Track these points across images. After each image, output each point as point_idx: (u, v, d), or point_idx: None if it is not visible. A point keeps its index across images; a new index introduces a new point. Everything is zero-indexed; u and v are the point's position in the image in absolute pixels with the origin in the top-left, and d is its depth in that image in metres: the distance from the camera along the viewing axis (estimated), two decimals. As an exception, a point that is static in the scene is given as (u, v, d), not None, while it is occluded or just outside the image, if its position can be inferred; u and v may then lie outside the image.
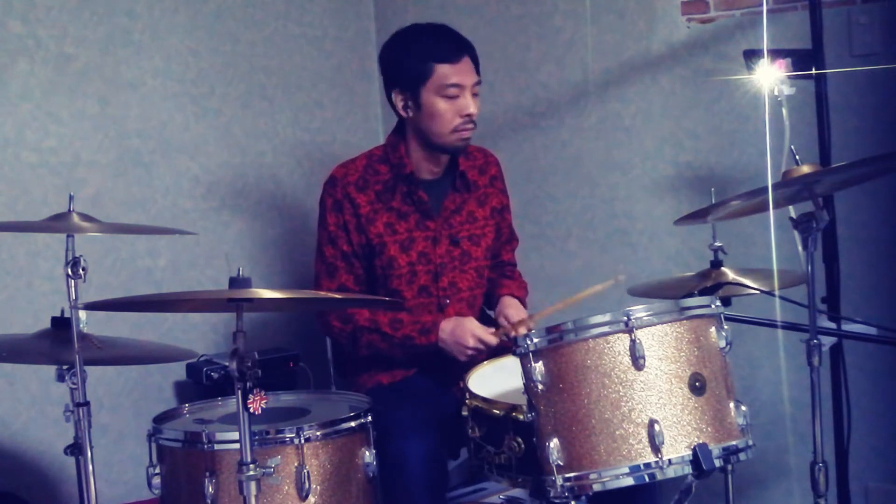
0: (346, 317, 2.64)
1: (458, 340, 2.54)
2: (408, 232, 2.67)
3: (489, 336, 2.54)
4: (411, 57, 2.61)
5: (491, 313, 2.83)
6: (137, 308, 2.67)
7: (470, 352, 2.54)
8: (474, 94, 2.61)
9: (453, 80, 2.57)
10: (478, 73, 2.64)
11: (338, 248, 2.66)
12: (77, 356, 2.13)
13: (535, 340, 1.99)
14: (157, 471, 2.26)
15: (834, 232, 2.75)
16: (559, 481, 1.94)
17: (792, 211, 2.21)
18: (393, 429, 2.36)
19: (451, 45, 2.61)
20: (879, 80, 2.86)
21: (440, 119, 2.59)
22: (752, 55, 2.72)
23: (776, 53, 2.68)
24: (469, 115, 2.59)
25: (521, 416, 2.10)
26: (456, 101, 2.58)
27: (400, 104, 2.64)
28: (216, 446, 2.17)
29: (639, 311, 1.95)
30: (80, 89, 3.04)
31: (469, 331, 2.54)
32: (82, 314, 2.13)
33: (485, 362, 2.52)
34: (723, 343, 2.01)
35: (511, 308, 2.72)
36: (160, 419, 2.35)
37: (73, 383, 2.15)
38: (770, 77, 2.69)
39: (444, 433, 2.42)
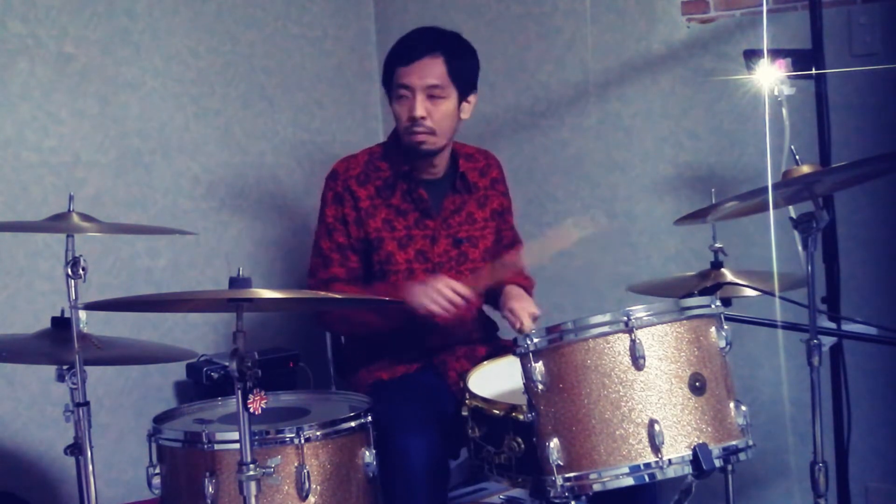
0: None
1: (428, 286, 2.47)
2: (406, 229, 2.67)
3: (460, 287, 2.47)
4: (385, 61, 2.66)
5: (492, 315, 2.83)
6: (137, 308, 2.67)
7: (443, 300, 2.46)
8: (432, 97, 2.57)
9: (401, 81, 2.58)
10: (453, 76, 2.58)
11: (333, 241, 2.66)
12: (77, 356, 2.13)
13: (535, 340, 1.99)
14: (157, 471, 2.27)
15: (834, 232, 2.75)
16: (559, 481, 1.94)
17: (792, 211, 2.21)
18: (395, 425, 2.36)
19: (407, 47, 2.61)
20: (879, 80, 2.86)
21: (397, 121, 2.63)
22: (752, 55, 2.72)
23: (776, 53, 2.68)
24: (414, 118, 2.56)
25: (521, 416, 2.10)
26: (405, 102, 2.58)
27: (390, 105, 2.68)
28: (216, 446, 2.18)
29: (639, 311, 1.95)
30: (80, 89, 3.04)
31: (439, 278, 2.50)
32: (82, 314, 2.13)
33: (485, 362, 2.52)
34: (723, 343, 2.01)
35: (515, 300, 2.65)
36: (160, 419, 2.35)
37: (73, 383, 2.15)
38: (770, 77, 2.69)
39: (445, 432, 2.42)
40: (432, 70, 2.57)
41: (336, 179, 2.68)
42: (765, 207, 2.22)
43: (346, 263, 2.66)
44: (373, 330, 2.65)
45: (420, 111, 2.55)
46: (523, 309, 2.59)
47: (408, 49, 2.60)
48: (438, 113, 2.58)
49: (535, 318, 2.56)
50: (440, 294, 2.47)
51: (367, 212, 2.65)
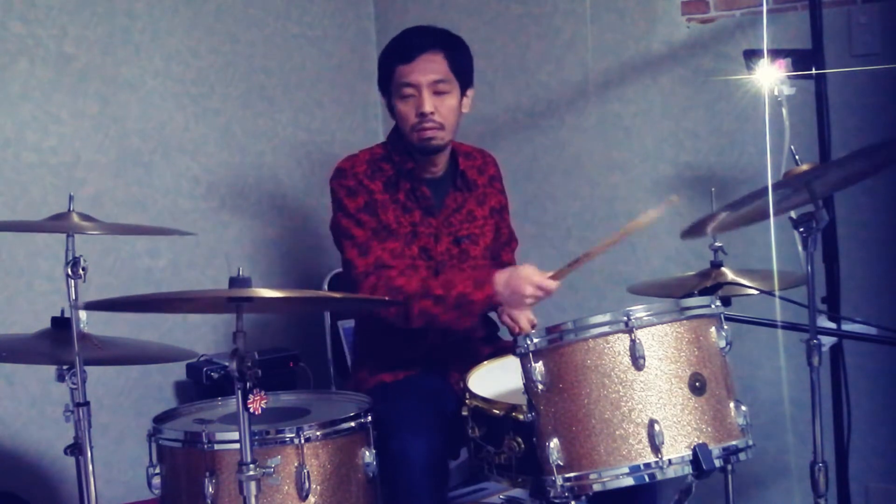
0: (395, 289, 2.54)
1: (514, 290, 2.46)
2: (412, 226, 2.67)
3: (548, 281, 2.46)
4: (381, 62, 2.66)
5: (492, 315, 2.83)
6: (137, 308, 2.67)
7: (529, 300, 2.47)
8: (438, 93, 2.58)
9: (405, 79, 2.57)
10: (454, 71, 2.60)
11: (367, 228, 2.61)
12: (77, 356, 2.13)
13: (535, 340, 2.00)
14: (157, 471, 2.26)
15: (834, 232, 2.75)
16: (559, 481, 1.94)
17: (792, 211, 2.21)
18: (396, 426, 2.35)
19: (406, 45, 2.60)
20: (879, 80, 2.86)
21: (402, 120, 2.61)
22: (752, 55, 2.72)
23: (776, 53, 2.68)
24: (424, 114, 2.56)
25: (521, 416, 2.10)
26: (412, 100, 2.58)
27: (386, 107, 2.68)
28: (216, 446, 2.18)
29: (639, 311, 1.95)
30: (80, 89, 3.04)
31: (525, 279, 2.45)
32: (82, 314, 2.13)
33: (485, 362, 2.52)
34: (723, 343, 2.01)
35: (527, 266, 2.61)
36: (160, 419, 2.35)
37: (73, 383, 2.15)
38: (770, 77, 2.69)
39: (446, 432, 2.42)
40: (434, 65, 2.58)
41: (345, 176, 2.65)
42: (765, 213, 2.22)
43: (385, 245, 2.61)
44: (435, 321, 2.57)
45: (428, 106, 2.56)
46: (522, 315, 2.61)
47: (406, 47, 2.60)
48: (445, 107, 2.59)
49: (533, 326, 2.57)
50: (529, 297, 2.45)
51: (381, 204, 2.64)
